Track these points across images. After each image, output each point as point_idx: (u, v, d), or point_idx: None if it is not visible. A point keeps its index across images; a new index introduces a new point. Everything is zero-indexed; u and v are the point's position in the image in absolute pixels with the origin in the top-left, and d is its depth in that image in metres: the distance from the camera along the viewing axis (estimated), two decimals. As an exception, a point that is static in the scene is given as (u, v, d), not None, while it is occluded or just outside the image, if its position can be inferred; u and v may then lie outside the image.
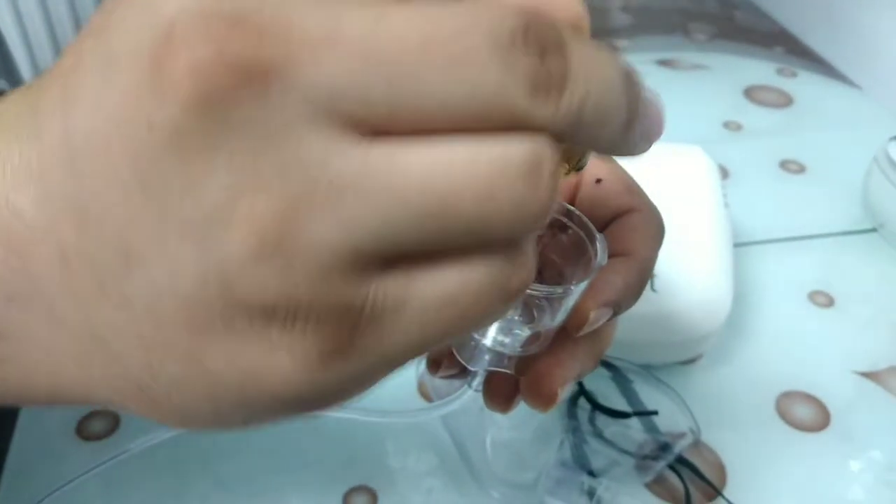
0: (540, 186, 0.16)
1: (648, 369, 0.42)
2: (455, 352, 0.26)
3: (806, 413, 0.42)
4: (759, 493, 0.38)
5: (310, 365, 0.16)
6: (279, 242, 0.15)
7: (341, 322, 0.16)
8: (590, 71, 0.16)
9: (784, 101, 0.70)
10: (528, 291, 0.22)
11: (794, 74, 0.75)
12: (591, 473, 0.36)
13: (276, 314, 0.15)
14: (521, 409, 0.39)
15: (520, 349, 0.25)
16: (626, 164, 0.29)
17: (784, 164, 0.62)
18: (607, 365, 0.41)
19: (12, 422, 0.40)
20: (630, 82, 0.18)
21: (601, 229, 0.27)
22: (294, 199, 0.15)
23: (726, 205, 0.46)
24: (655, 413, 0.39)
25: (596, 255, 0.24)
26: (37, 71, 0.65)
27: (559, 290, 0.23)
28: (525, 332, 0.25)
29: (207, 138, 0.14)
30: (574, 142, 0.17)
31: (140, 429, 0.35)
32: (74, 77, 0.16)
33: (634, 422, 0.39)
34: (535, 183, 0.16)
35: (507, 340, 0.25)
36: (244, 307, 0.15)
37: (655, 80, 0.75)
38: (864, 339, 0.47)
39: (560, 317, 0.24)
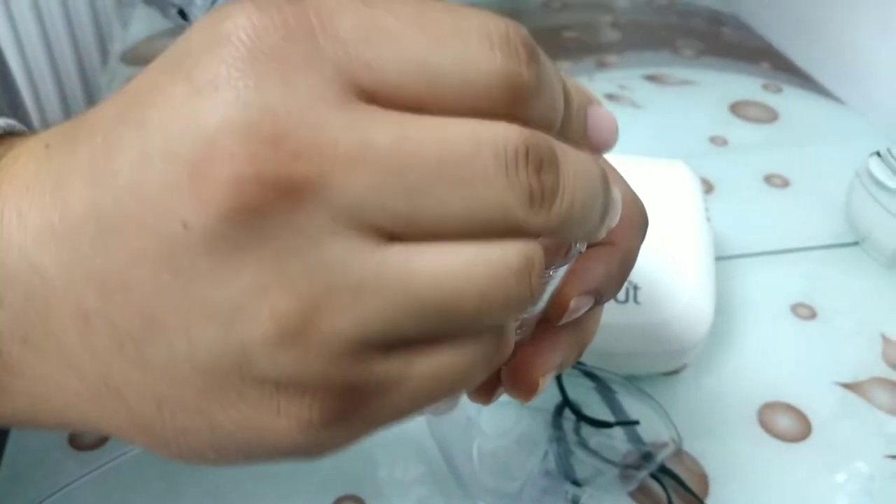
0: (529, 284, 0.18)
1: (632, 380, 0.42)
2: None
3: (788, 424, 0.43)
4: (741, 503, 0.39)
5: (311, 429, 0.18)
6: (298, 333, 0.16)
7: (345, 397, 0.18)
8: (577, 179, 0.19)
9: (769, 116, 0.72)
10: None
11: (779, 90, 0.76)
12: (576, 483, 0.37)
13: (286, 388, 0.17)
14: (508, 418, 0.40)
15: None
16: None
17: (769, 179, 0.63)
18: (591, 376, 0.42)
19: (5, 432, 0.40)
20: (606, 180, 0.20)
21: None
22: (314, 298, 0.16)
23: (708, 218, 0.46)
24: (637, 423, 0.40)
25: (575, 242, 0.24)
26: (40, 105, 0.65)
27: None
28: None
29: (239, 244, 0.16)
30: (558, 237, 0.19)
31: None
32: (107, 158, 0.17)
33: (618, 432, 0.40)
34: (526, 281, 0.18)
35: None
36: (258, 381, 0.17)
37: (643, 96, 0.76)
38: (847, 350, 0.48)
39: (541, 304, 0.24)
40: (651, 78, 0.76)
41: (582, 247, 0.24)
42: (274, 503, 0.38)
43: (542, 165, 0.18)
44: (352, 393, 0.18)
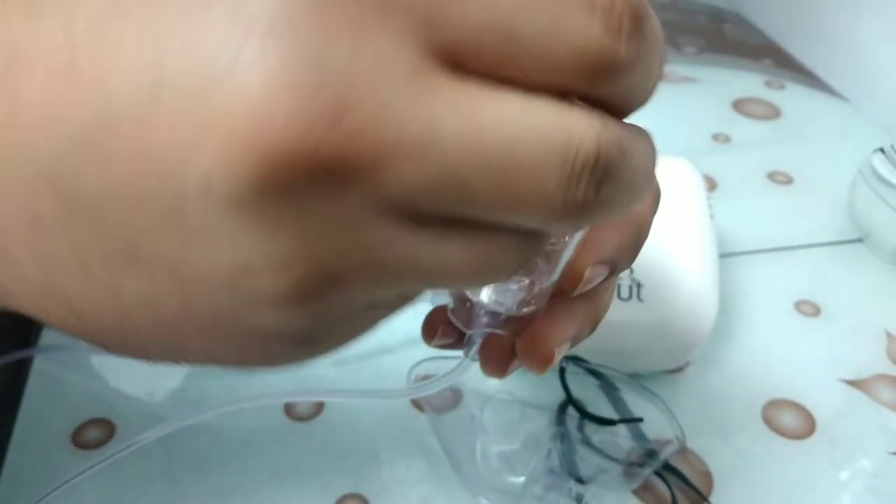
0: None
1: (636, 378, 0.42)
2: (451, 315, 0.26)
3: (792, 421, 0.43)
4: (746, 500, 0.38)
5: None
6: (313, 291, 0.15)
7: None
8: (633, 182, 0.17)
9: (772, 113, 0.71)
10: None
11: (782, 87, 0.76)
12: (580, 480, 0.37)
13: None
14: (511, 416, 0.40)
15: (516, 309, 0.25)
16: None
17: (772, 176, 0.63)
18: (595, 374, 0.42)
19: (9, 430, 0.40)
20: (654, 169, 0.19)
21: None
22: (336, 266, 0.15)
23: (711, 215, 0.46)
24: (641, 420, 0.40)
25: None
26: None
27: (551, 240, 0.23)
28: (521, 291, 0.24)
29: (265, 215, 0.14)
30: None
31: (135, 436, 0.35)
32: (120, 41, 0.14)
33: (622, 429, 0.40)
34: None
35: (502, 300, 0.24)
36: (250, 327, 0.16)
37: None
38: (850, 347, 0.47)
39: (554, 275, 0.24)
40: (653, 75, 0.76)
41: None
42: (277, 501, 0.38)
43: (605, 177, 0.16)
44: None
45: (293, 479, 0.39)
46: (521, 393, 0.41)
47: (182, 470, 0.39)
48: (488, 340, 0.26)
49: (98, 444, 0.40)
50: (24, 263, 0.16)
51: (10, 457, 0.39)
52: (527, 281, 0.24)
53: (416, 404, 0.42)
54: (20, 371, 0.44)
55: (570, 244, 0.23)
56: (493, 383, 0.42)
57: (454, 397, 0.41)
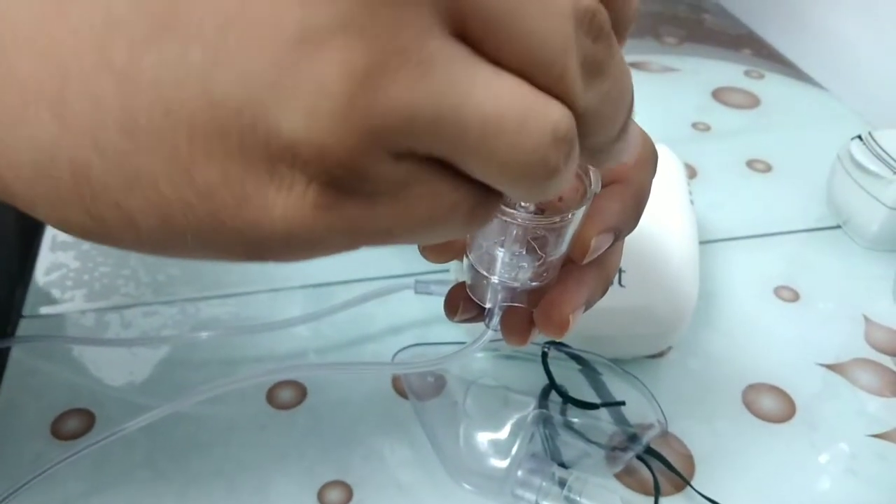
0: (562, 156, 0.17)
1: (617, 363, 0.42)
2: (469, 292, 0.28)
3: (772, 404, 0.43)
4: (727, 483, 0.39)
5: (305, 211, 0.17)
6: (357, 89, 0.15)
7: (348, 184, 0.17)
8: (618, 71, 0.18)
9: (751, 102, 0.72)
10: (530, 223, 0.24)
11: (761, 76, 0.76)
12: (563, 464, 0.37)
13: (297, 157, 0.16)
14: (494, 401, 0.40)
15: (529, 282, 0.26)
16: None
17: (751, 164, 0.63)
18: (577, 359, 0.42)
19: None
20: (633, 95, 0.20)
21: None
22: (383, 58, 0.15)
23: (692, 202, 0.47)
24: (623, 403, 0.40)
25: (590, 184, 0.25)
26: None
27: (556, 219, 0.24)
28: (531, 266, 0.26)
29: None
30: (580, 130, 0.18)
31: (115, 426, 0.35)
32: None
33: (604, 414, 0.40)
34: (560, 149, 0.17)
35: (516, 275, 0.26)
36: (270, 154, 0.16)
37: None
38: (829, 332, 0.48)
39: (563, 247, 0.25)
40: (634, 65, 0.76)
41: (597, 188, 0.25)
42: (261, 490, 0.37)
43: (599, 37, 0.17)
44: (359, 184, 0.17)
45: (276, 466, 0.38)
46: (504, 378, 0.42)
47: (164, 458, 0.39)
48: (507, 312, 0.28)
49: (77, 435, 0.39)
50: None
51: (-12, 447, 0.39)
52: (537, 261, 0.26)
53: (400, 391, 0.42)
54: (-2, 361, 0.43)
55: (575, 219, 0.25)
56: (476, 369, 0.43)
57: (437, 383, 0.41)
